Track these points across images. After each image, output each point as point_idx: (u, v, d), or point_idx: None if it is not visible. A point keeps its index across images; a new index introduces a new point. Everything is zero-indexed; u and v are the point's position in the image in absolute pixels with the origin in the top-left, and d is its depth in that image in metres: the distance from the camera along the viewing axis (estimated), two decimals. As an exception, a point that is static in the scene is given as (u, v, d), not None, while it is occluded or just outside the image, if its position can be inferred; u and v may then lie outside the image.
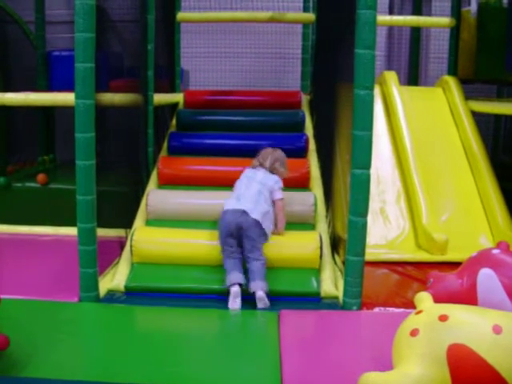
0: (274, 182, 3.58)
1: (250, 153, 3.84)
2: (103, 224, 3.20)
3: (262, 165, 3.66)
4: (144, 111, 4.38)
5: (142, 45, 4.31)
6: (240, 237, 3.31)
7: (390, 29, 6.71)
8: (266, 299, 3.12)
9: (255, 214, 3.33)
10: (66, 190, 4.56)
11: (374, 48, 2.80)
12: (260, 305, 3.11)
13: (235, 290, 3.13)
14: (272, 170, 3.66)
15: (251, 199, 3.42)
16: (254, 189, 3.49)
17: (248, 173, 3.64)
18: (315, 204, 3.86)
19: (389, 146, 4.86)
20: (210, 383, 2.28)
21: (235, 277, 3.18)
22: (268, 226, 3.42)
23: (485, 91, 6.11)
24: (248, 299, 3.16)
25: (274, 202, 3.55)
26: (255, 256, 3.27)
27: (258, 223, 3.33)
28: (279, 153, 3.75)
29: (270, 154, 3.70)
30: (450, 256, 3.84)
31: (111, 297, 3.21)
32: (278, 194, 3.57)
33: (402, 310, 3.03)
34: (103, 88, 3.68)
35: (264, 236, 3.37)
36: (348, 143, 3.07)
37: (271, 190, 3.54)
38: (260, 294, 3.11)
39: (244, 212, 3.33)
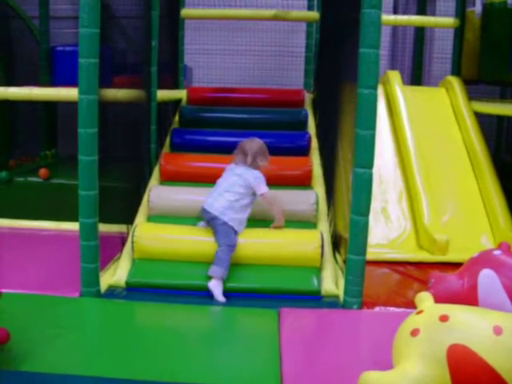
0: (254, 178, 3.56)
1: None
2: (105, 219, 3.21)
3: (242, 161, 3.65)
4: (147, 107, 4.38)
5: (146, 41, 4.31)
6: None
7: (394, 28, 6.70)
8: (217, 290, 3.21)
9: (217, 210, 3.45)
10: (68, 184, 4.57)
11: (379, 47, 2.79)
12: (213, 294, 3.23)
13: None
14: (254, 167, 3.64)
15: (219, 192, 3.53)
16: (229, 180, 3.57)
17: (229, 167, 3.71)
18: (317, 203, 3.85)
19: (391, 146, 4.86)
20: (210, 380, 2.28)
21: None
22: (232, 216, 3.45)
23: (488, 92, 6.11)
24: (247, 297, 3.17)
25: (260, 197, 3.58)
26: (220, 244, 3.36)
27: (223, 223, 3.42)
28: (258, 145, 3.69)
29: (249, 150, 3.65)
30: (451, 256, 3.84)
31: (112, 292, 3.21)
32: (262, 189, 3.55)
33: (402, 309, 3.04)
34: (107, 84, 3.68)
35: (228, 228, 3.43)
36: (350, 142, 3.06)
37: (251, 185, 3.54)
38: (210, 283, 3.23)
39: (214, 216, 3.44)
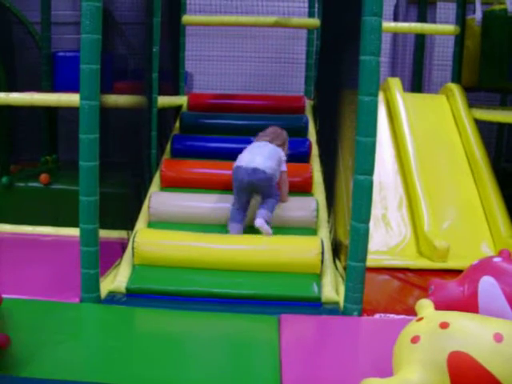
0: (283, 154, 3.92)
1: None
2: (105, 225, 3.21)
3: (271, 142, 3.93)
4: (148, 113, 4.39)
5: (147, 47, 4.32)
6: (252, 191, 3.73)
7: (395, 35, 6.72)
8: (266, 226, 3.59)
9: (268, 169, 3.67)
10: (69, 190, 4.57)
11: (379, 55, 2.80)
12: (263, 232, 3.60)
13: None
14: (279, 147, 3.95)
15: (264, 156, 3.73)
16: (267, 150, 3.80)
17: (256, 144, 3.93)
18: (317, 209, 3.86)
19: (391, 153, 4.87)
20: (210, 386, 2.28)
21: (233, 228, 3.70)
22: (275, 169, 3.76)
23: (488, 99, 6.12)
24: (247, 303, 3.17)
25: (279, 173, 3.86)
26: (269, 197, 3.72)
27: (269, 178, 3.67)
28: (285, 135, 4.08)
29: (281, 136, 4.03)
30: (452, 263, 3.84)
31: (112, 298, 3.20)
32: (284, 167, 3.89)
33: (402, 316, 3.03)
34: (108, 89, 3.69)
35: (275, 183, 3.77)
36: (351, 149, 3.07)
37: (281, 160, 3.85)
38: (257, 221, 3.60)
39: (256, 169, 3.65)
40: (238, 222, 3.72)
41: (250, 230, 3.75)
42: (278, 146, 3.93)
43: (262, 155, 3.73)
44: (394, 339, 2.11)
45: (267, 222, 3.64)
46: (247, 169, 3.67)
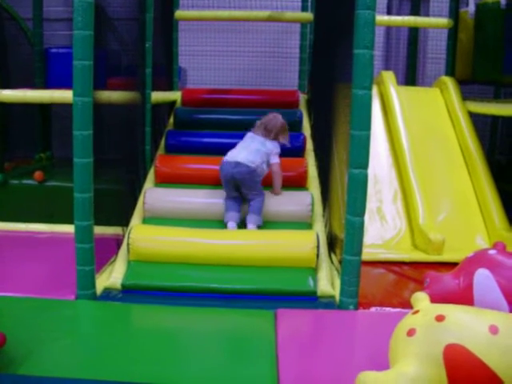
0: (274, 146, 3.92)
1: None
2: (100, 222, 3.20)
3: (264, 135, 3.93)
4: (142, 109, 4.38)
5: (140, 43, 4.31)
6: (236, 184, 3.76)
7: (388, 29, 6.72)
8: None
9: (250, 163, 3.71)
10: (63, 187, 4.56)
11: (373, 48, 2.80)
12: None
13: (231, 225, 3.69)
14: (274, 140, 3.96)
15: (248, 151, 3.78)
16: (254, 146, 3.83)
17: (249, 134, 3.97)
18: (312, 204, 3.86)
19: (386, 146, 4.87)
20: (207, 382, 2.28)
21: (230, 216, 3.71)
22: (258, 163, 3.78)
23: (482, 92, 6.13)
24: (243, 298, 3.17)
25: (270, 166, 3.89)
26: (252, 196, 3.75)
27: (251, 172, 3.71)
28: (281, 124, 4.00)
29: (275, 127, 3.96)
30: (447, 256, 3.85)
31: (108, 295, 3.20)
32: (275, 159, 3.89)
33: (398, 309, 3.04)
34: (101, 86, 3.68)
35: (259, 178, 3.81)
36: (345, 143, 3.07)
37: (269, 152, 3.85)
38: (249, 227, 3.66)
39: (238, 163, 3.73)
40: (234, 210, 3.76)
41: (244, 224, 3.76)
42: (272, 139, 3.93)
43: (247, 150, 3.80)
44: (390, 332, 2.12)
45: (258, 227, 3.71)
46: (231, 163, 3.76)
